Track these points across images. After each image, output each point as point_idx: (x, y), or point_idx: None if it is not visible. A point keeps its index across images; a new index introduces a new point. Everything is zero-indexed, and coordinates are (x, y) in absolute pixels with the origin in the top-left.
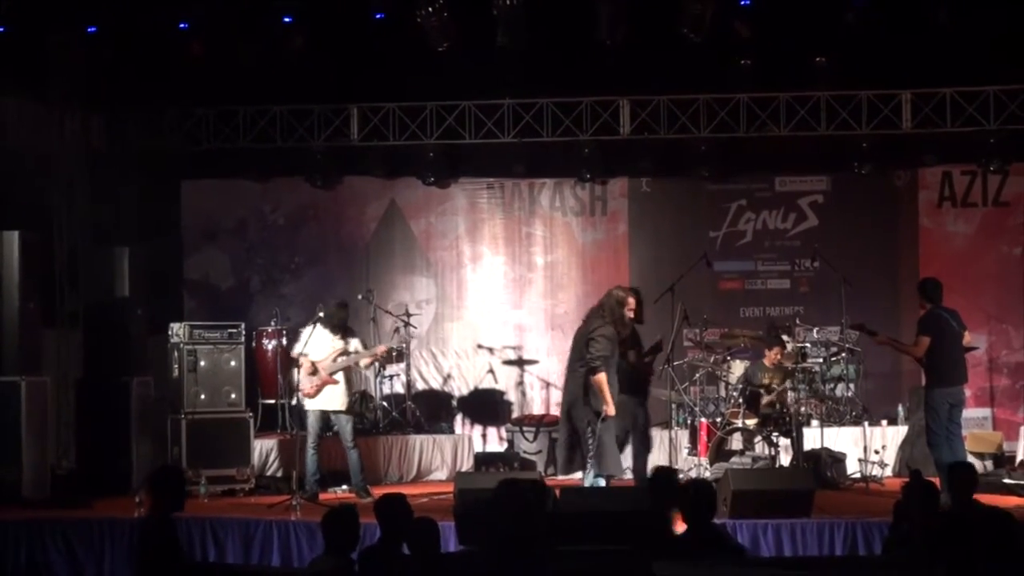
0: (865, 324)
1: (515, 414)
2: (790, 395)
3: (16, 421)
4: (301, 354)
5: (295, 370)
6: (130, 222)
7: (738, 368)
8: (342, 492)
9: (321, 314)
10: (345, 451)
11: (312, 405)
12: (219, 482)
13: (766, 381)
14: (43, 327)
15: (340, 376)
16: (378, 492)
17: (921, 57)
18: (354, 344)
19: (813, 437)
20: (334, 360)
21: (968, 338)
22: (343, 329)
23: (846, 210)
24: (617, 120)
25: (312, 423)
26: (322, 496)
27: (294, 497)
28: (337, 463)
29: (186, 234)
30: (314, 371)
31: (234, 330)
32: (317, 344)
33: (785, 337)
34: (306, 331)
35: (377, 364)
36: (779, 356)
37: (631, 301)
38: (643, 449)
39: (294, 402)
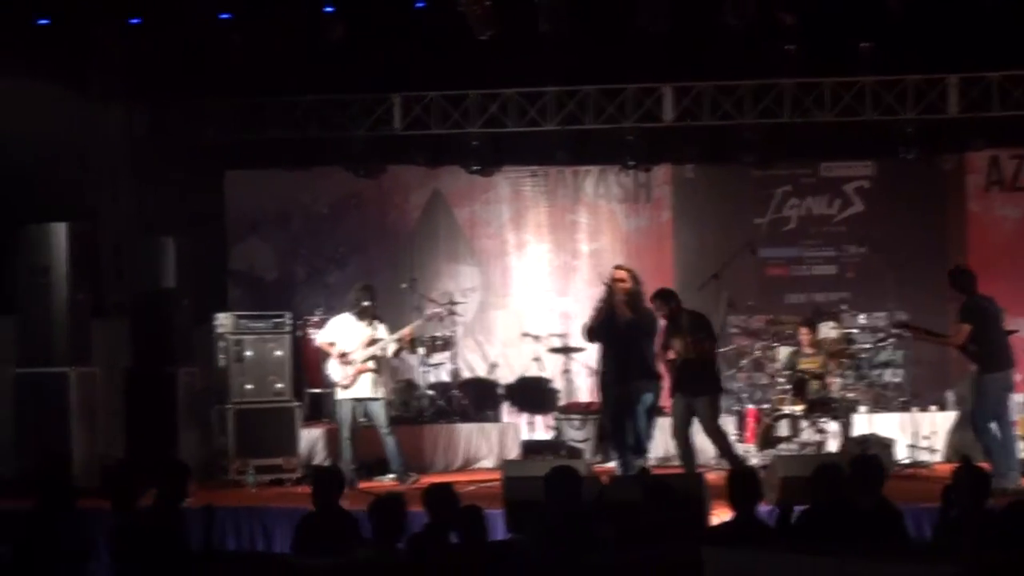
0: (908, 322)
1: (562, 402)
2: (837, 381)
3: (65, 411)
4: (329, 343)
5: (327, 361)
6: (174, 213)
7: (784, 355)
8: (388, 481)
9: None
10: (381, 438)
11: (343, 394)
12: (266, 472)
13: (807, 365)
14: (91, 318)
15: (372, 364)
16: (424, 480)
17: (967, 41)
18: (381, 331)
19: (861, 423)
20: (365, 348)
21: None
22: (371, 316)
23: (892, 195)
24: (660, 107)
25: (344, 413)
26: (365, 485)
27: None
28: (380, 451)
29: (230, 224)
30: (347, 361)
31: (279, 320)
32: (347, 333)
33: (832, 323)
34: (333, 320)
35: (422, 352)
36: (808, 337)
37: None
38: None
39: (336, 393)
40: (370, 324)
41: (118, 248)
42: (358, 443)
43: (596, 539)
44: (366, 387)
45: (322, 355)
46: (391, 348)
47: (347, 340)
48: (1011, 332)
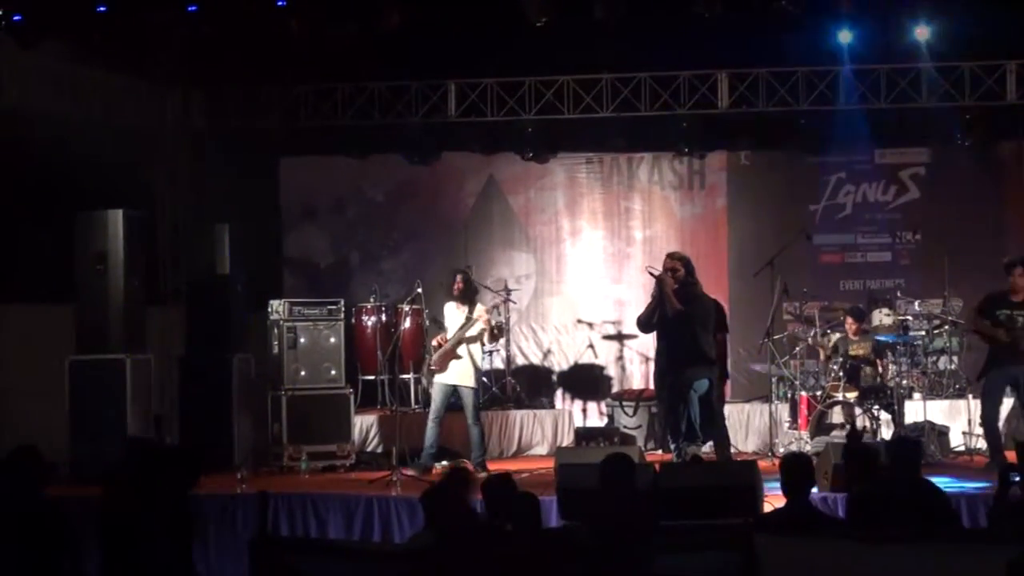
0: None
1: (615, 389)
2: (891, 368)
3: (121, 398)
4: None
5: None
6: (230, 200)
7: (833, 341)
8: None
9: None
10: (468, 427)
11: (437, 379)
12: (319, 458)
13: (855, 352)
14: (147, 304)
15: (463, 350)
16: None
17: None
18: (477, 312)
19: (915, 410)
20: (457, 331)
21: None
22: (468, 300)
23: (949, 182)
24: (715, 93)
25: (434, 396)
26: (438, 471)
27: (395, 473)
28: (446, 440)
29: (285, 211)
30: (440, 345)
31: (333, 307)
32: (449, 319)
33: (886, 310)
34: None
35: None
36: (855, 326)
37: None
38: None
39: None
40: (468, 309)
41: (174, 235)
42: (442, 428)
43: (650, 525)
44: (459, 374)
45: (398, 339)
46: (476, 328)
47: (450, 325)
48: None
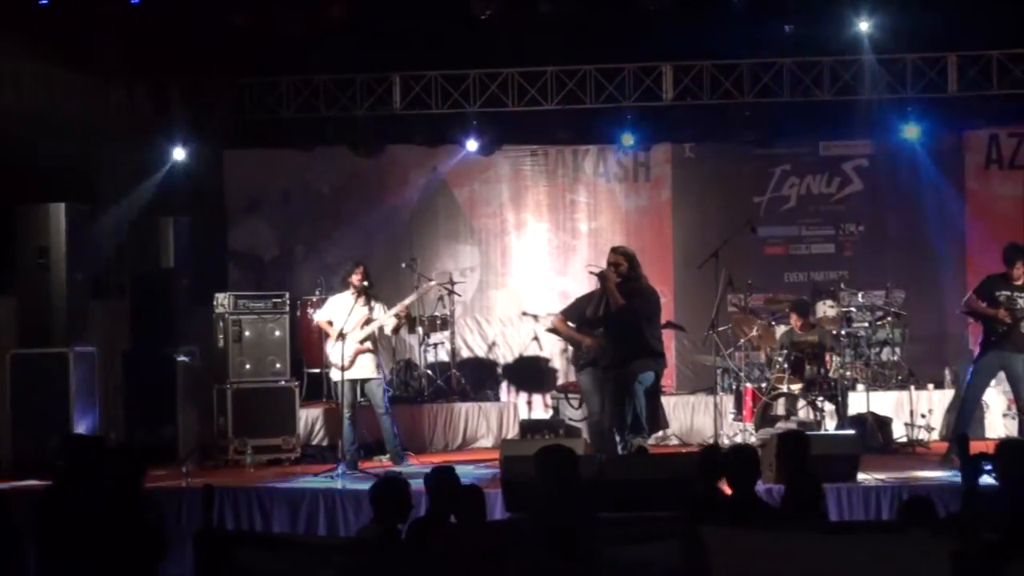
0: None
1: (560, 381)
2: (835, 360)
3: (65, 392)
4: (326, 322)
5: (326, 341)
6: (175, 193)
7: (779, 333)
8: (384, 461)
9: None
10: (377, 419)
11: (337, 374)
12: (265, 451)
13: (803, 342)
14: (90, 298)
15: (368, 343)
16: (425, 460)
17: (967, 20)
18: (378, 310)
19: (859, 401)
20: (361, 327)
21: None
22: (367, 295)
23: (891, 174)
24: (660, 86)
25: (346, 393)
26: (364, 465)
27: (339, 467)
28: (379, 431)
29: (230, 204)
30: (340, 339)
31: (278, 300)
32: (341, 311)
33: (830, 302)
34: (330, 299)
35: (421, 332)
36: (799, 322)
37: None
38: None
39: (331, 374)
40: (366, 303)
41: (118, 228)
42: (358, 423)
43: (592, 516)
44: (364, 367)
45: (324, 335)
46: (389, 325)
47: (342, 319)
48: None
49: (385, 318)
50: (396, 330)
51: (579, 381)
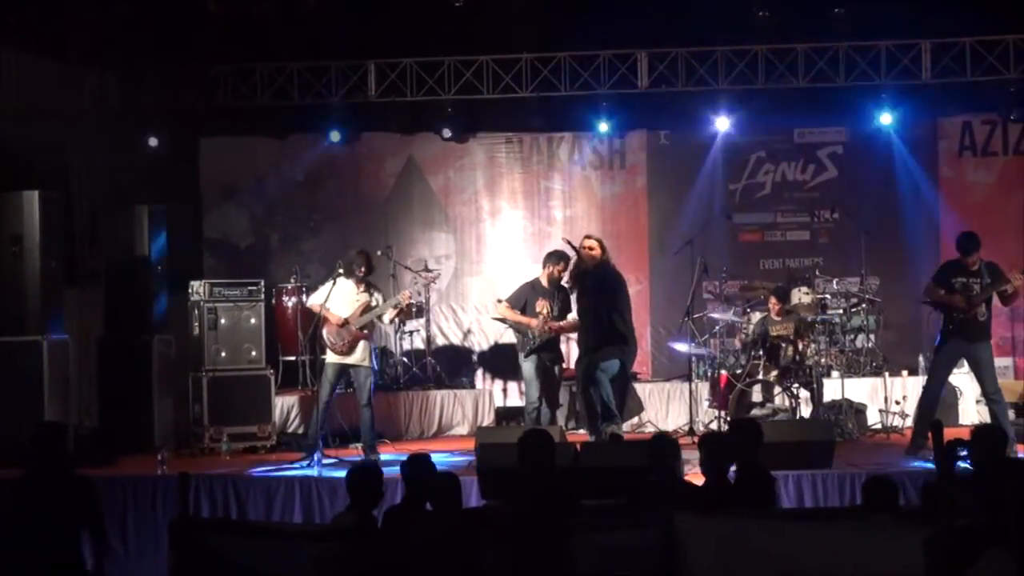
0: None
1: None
2: (811, 347)
3: (38, 380)
4: (323, 306)
5: (323, 325)
6: (149, 181)
7: (755, 320)
8: (353, 449)
9: (341, 269)
10: (359, 409)
11: (334, 358)
12: (240, 439)
13: (778, 332)
14: (64, 286)
15: (367, 330)
16: (400, 447)
17: (940, 6)
18: (377, 297)
19: (833, 388)
20: (361, 314)
21: None
22: (367, 282)
23: (865, 161)
24: (635, 73)
25: (331, 376)
26: (340, 453)
27: (316, 455)
28: (357, 419)
29: (205, 192)
30: (344, 326)
31: (254, 287)
32: (341, 298)
33: (805, 289)
34: (327, 285)
35: (397, 320)
36: (778, 306)
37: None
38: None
39: (325, 356)
40: (366, 291)
41: (92, 216)
42: (340, 410)
43: (570, 503)
44: (359, 354)
45: (319, 319)
46: (388, 315)
47: (341, 305)
48: None
49: (386, 307)
50: (393, 319)
51: (523, 368)
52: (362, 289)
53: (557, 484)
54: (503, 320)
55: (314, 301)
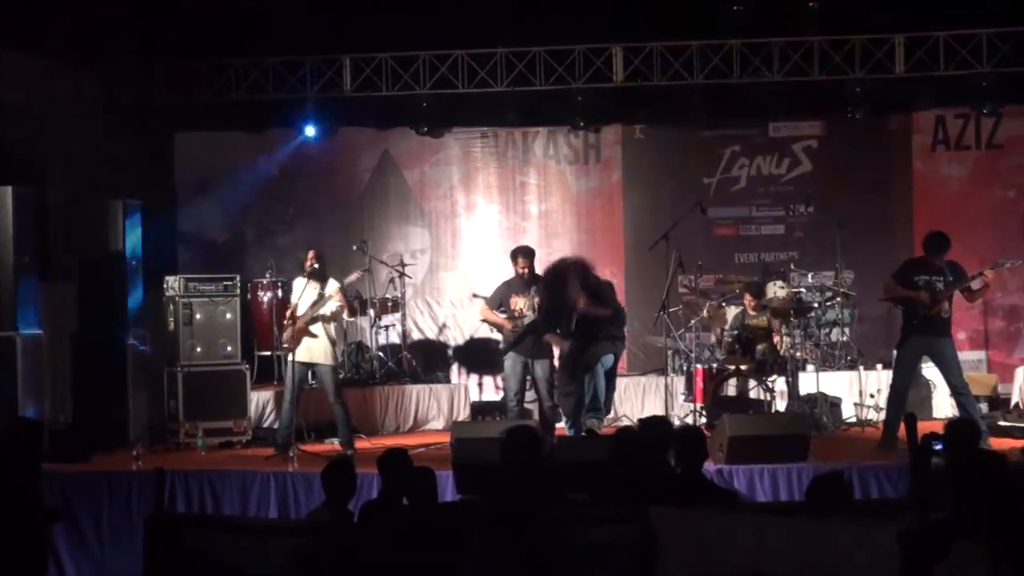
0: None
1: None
2: (785, 340)
3: (12, 376)
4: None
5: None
6: (124, 176)
7: (731, 315)
8: (329, 444)
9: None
10: (330, 405)
11: (290, 357)
12: (216, 434)
13: (755, 324)
14: (38, 281)
15: (319, 328)
16: (376, 442)
17: (913, 1)
18: (330, 290)
19: (808, 382)
20: (311, 307)
21: None
22: (321, 277)
23: (840, 155)
24: (610, 67)
25: (290, 375)
26: (316, 448)
27: (291, 449)
28: (328, 415)
29: (180, 187)
30: (293, 322)
31: (229, 282)
32: (298, 294)
33: (780, 283)
34: (293, 283)
35: (372, 314)
36: (752, 302)
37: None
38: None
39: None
40: (320, 286)
41: (67, 211)
42: (299, 407)
43: (552, 496)
44: (314, 351)
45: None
46: (331, 307)
47: (304, 304)
48: None
49: (325, 299)
50: (352, 313)
51: (503, 364)
52: (315, 285)
53: (541, 481)
54: (486, 321)
55: (293, 301)
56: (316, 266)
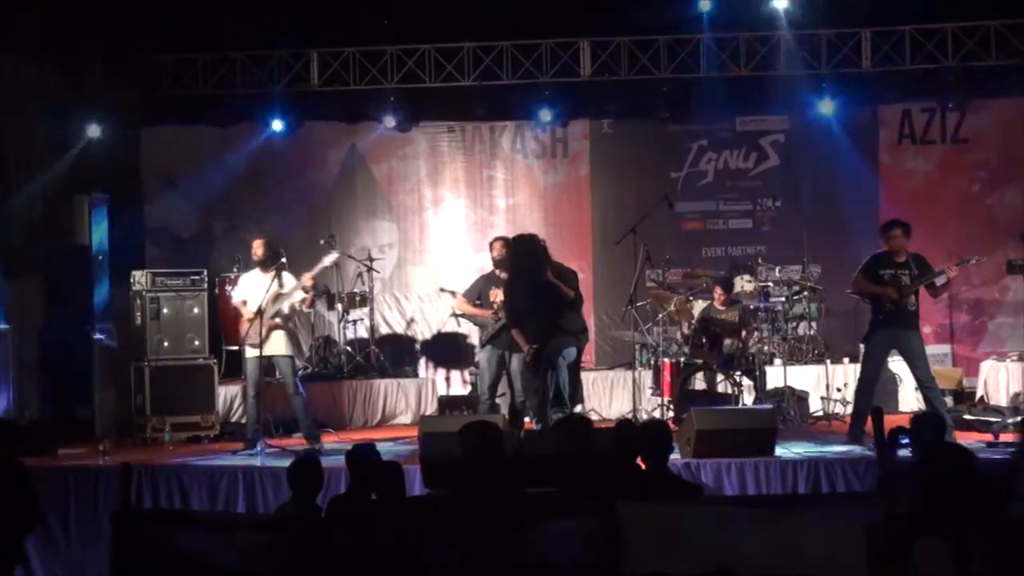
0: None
1: (478, 357)
2: (753, 335)
3: None
4: (241, 302)
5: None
6: (90, 170)
7: (699, 309)
8: (296, 439)
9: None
10: (289, 399)
11: (251, 352)
12: (183, 429)
13: (723, 318)
14: (4, 277)
15: (280, 320)
16: (344, 436)
17: None
18: (289, 284)
19: (776, 376)
20: (272, 302)
21: None
22: (277, 270)
23: (807, 149)
24: (577, 62)
25: (251, 370)
26: (283, 443)
27: (259, 443)
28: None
29: (147, 181)
30: (256, 318)
31: (196, 277)
32: (253, 290)
33: (747, 277)
34: (242, 278)
35: (340, 308)
36: (722, 296)
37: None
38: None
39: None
40: (276, 278)
41: (33, 206)
42: (264, 401)
43: (515, 490)
44: (274, 344)
45: (239, 314)
46: (297, 298)
47: (255, 297)
48: None
49: (292, 291)
50: (312, 304)
51: (479, 358)
52: (271, 277)
53: (503, 476)
54: (463, 314)
55: (235, 297)
56: (261, 254)
